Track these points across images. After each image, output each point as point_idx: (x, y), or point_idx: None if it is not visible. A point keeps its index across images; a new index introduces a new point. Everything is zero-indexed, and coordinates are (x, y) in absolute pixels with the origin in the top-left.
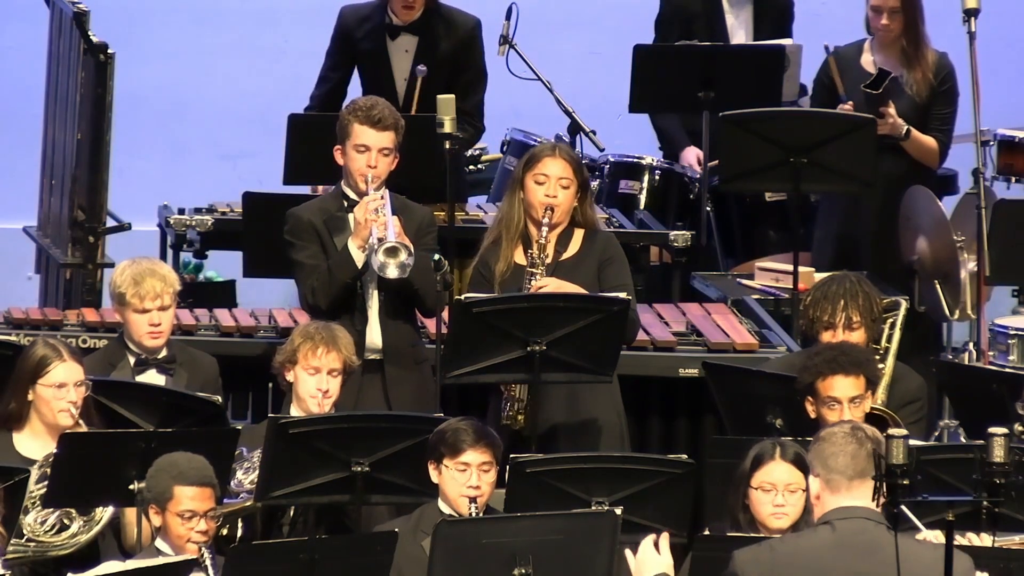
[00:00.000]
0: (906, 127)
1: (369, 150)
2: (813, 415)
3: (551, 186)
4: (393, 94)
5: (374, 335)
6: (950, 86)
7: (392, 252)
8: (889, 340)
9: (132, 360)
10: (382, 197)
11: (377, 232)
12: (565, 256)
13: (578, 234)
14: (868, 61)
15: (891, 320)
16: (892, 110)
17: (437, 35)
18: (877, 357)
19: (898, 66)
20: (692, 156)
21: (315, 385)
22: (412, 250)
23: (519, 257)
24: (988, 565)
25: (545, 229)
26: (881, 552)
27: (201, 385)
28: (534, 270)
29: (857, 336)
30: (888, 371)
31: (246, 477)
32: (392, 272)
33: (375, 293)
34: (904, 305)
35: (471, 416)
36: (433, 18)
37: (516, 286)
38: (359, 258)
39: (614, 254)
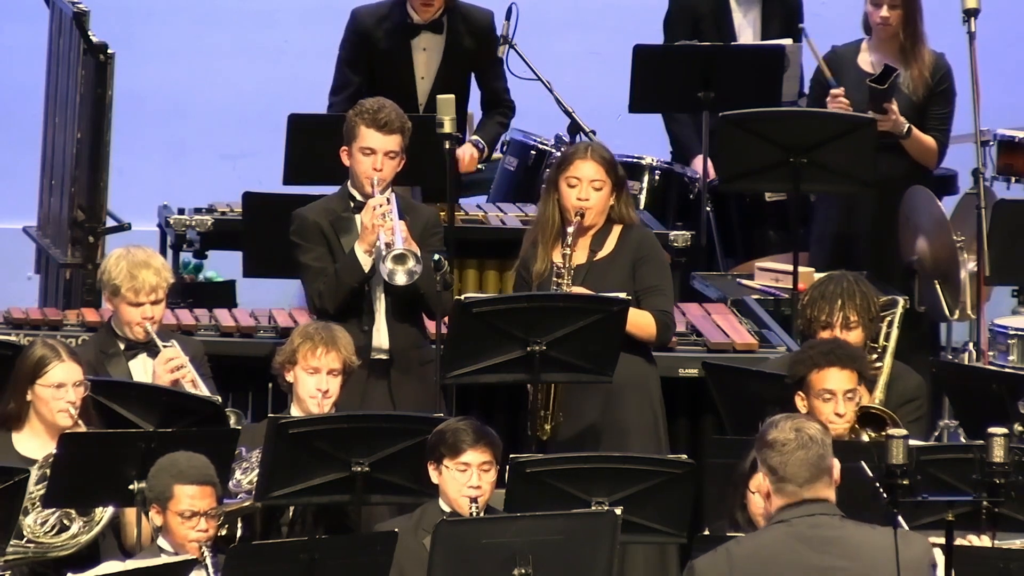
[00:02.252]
0: (908, 125)
1: (375, 153)
2: (804, 409)
3: (583, 189)
4: (413, 94)
5: (381, 337)
6: (947, 86)
7: (400, 259)
8: (887, 338)
9: (122, 346)
10: (388, 201)
11: (384, 237)
12: (600, 255)
13: (615, 231)
14: (866, 60)
15: (889, 318)
16: (895, 107)
17: (458, 32)
18: (875, 356)
19: (896, 64)
20: (700, 165)
21: (315, 385)
22: (420, 256)
23: (557, 257)
24: (989, 565)
25: (570, 238)
26: (839, 544)
27: (189, 359)
28: (559, 280)
29: (855, 335)
30: (886, 369)
31: (245, 477)
32: (400, 279)
33: (382, 296)
34: (901, 303)
35: (470, 416)
36: (452, 15)
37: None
38: (366, 262)
39: (648, 253)
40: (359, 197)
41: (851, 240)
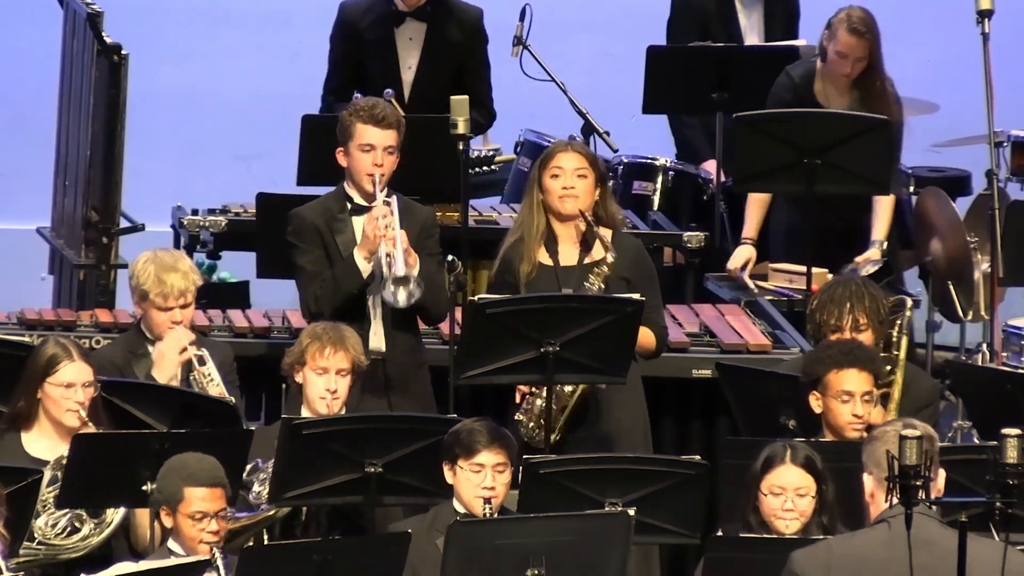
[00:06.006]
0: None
1: (374, 149)
2: (819, 410)
3: (567, 178)
4: (399, 83)
5: (377, 339)
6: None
7: (402, 282)
8: (898, 347)
9: (151, 347)
10: (389, 205)
11: (386, 247)
12: (589, 260)
13: (604, 235)
14: (819, 90)
15: (898, 322)
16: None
17: (442, 22)
18: (888, 367)
19: (843, 94)
20: (712, 168)
21: (324, 385)
22: (420, 281)
23: (543, 257)
24: None
25: (591, 228)
26: (937, 546)
27: (218, 366)
28: (590, 285)
29: (864, 338)
30: (899, 379)
31: (263, 489)
32: (402, 302)
33: (379, 299)
34: (909, 304)
35: (485, 417)
36: (439, 6)
37: (543, 286)
38: (365, 269)
39: (644, 272)
40: (356, 197)
41: (806, 233)
